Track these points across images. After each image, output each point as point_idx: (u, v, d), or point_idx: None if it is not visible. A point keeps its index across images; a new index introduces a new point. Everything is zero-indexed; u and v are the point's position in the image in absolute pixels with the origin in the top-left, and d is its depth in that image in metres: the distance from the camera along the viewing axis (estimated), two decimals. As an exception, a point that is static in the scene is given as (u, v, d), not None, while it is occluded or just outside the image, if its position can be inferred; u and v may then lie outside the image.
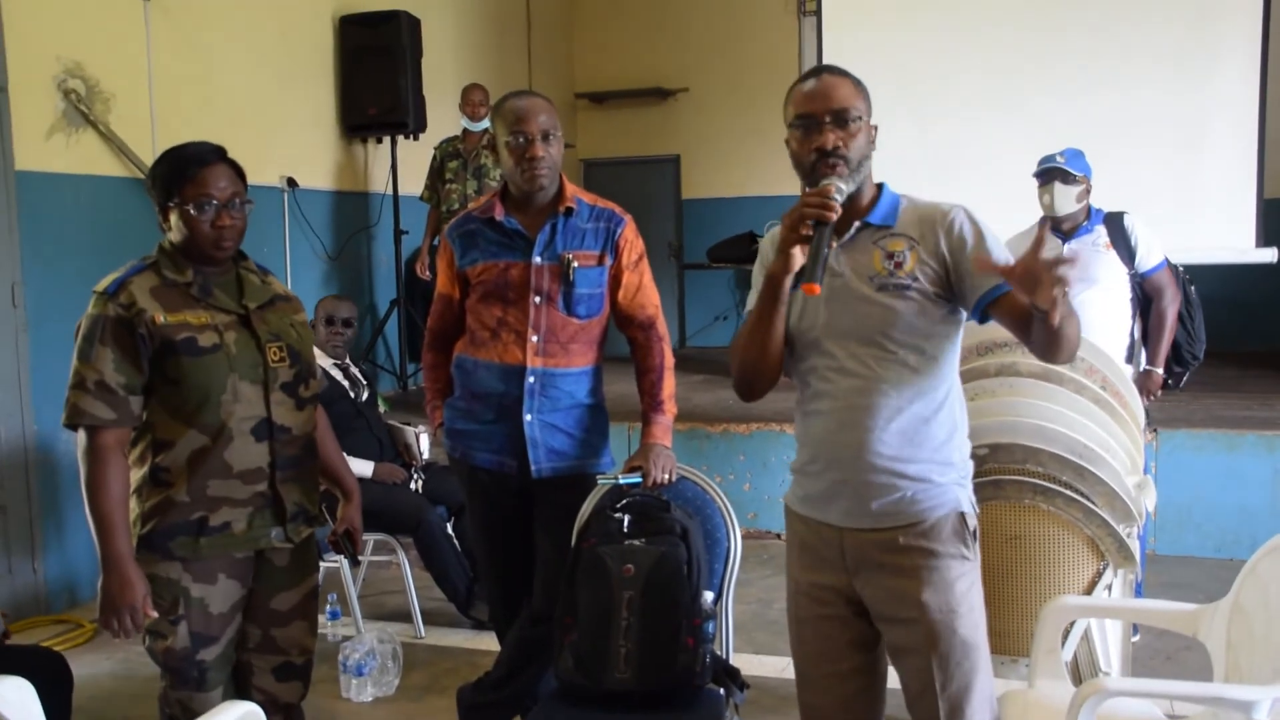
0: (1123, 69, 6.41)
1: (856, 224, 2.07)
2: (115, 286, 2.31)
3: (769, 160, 9.31)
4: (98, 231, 4.77)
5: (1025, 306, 1.88)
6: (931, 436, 2.03)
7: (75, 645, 4.16)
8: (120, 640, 2.32)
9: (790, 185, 10.57)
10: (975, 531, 2.06)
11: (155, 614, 2.30)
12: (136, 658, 4.02)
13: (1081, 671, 2.76)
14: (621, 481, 2.75)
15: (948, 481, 2.04)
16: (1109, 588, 2.74)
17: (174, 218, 2.34)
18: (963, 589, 2.03)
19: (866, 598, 2.08)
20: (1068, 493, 2.69)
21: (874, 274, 2.03)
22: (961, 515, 2.04)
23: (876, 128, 2.09)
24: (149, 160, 4.96)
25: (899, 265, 2.02)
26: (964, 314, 2.07)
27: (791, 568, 2.20)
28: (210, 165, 2.33)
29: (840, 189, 1.97)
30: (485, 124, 6.38)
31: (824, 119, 2.01)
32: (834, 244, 2.02)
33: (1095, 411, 2.84)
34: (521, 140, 2.71)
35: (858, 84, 2.07)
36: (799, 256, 1.94)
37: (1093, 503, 2.69)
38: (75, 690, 2.87)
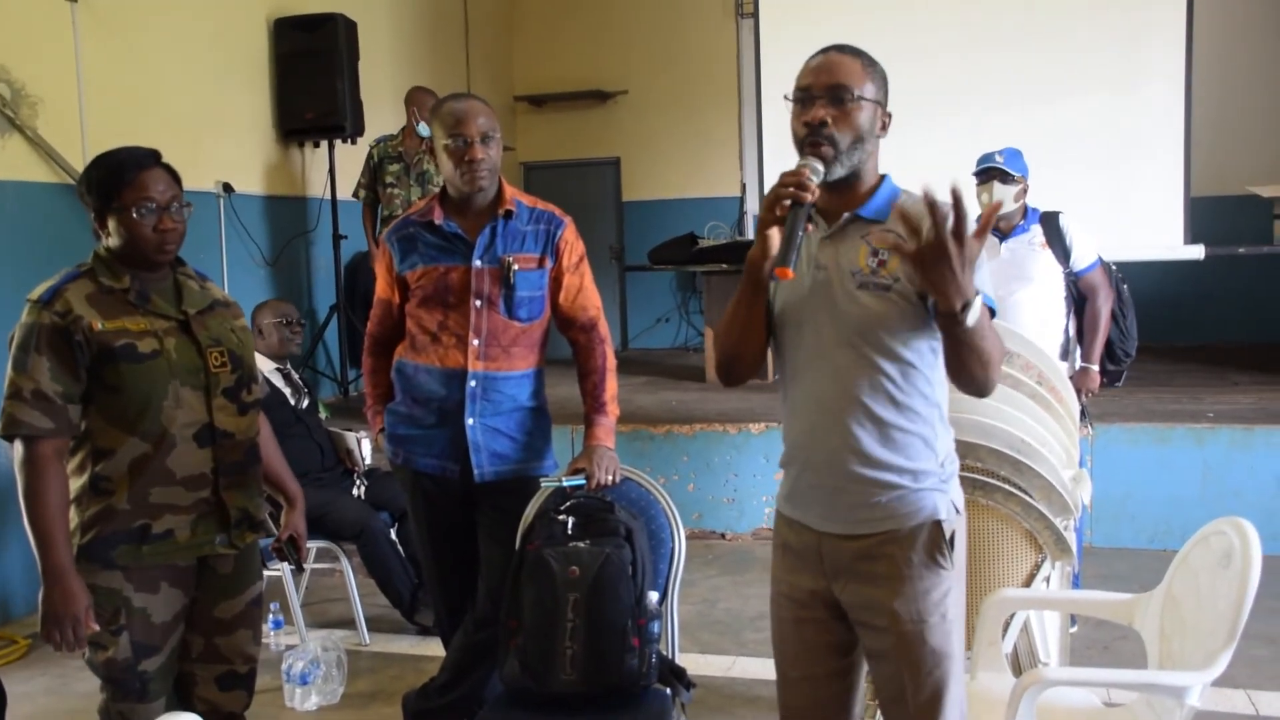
0: (1059, 77, 6.57)
1: (846, 215, 1.98)
2: (50, 294, 2.27)
3: (709, 161, 9.39)
4: (26, 238, 4.66)
5: (951, 366, 1.86)
6: (909, 444, 1.96)
7: (8, 662, 4.06)
8: (61, 653, 2.28)
9: (730, 187, 10.67)
10: (953, 538, 1.98)
11: (97, 626, 2.26)
12: (72, 673, 3.94)
13: (1021, 663, 2.80)
14: (565, 484, 2.74)
15: (924, 488, 1.97)
16: (1047, 580, 2.78)
17: (112, 223, 2.31)
18: (936, 598, 1.97)
19: (844, 602, 2.04)
20: (1006, 487, 2.72)
21: (857, 270, 1.95)
22: (938, 524, 1.96)
23: (890, 115, 2.00)
24: (79, 166, 4.87)
25: (882, 264, 1.93)
26: None
27: (775, 568, 2.15)
28: (148, 169, 2.31)
29: (817, 169, 1.90)
30: None
31: (818, 94, 1.93)
32: (810, 228, 1.94)
33: (1032, 407, 2.89)
34: (461, 143, 2.70)
35: (869, 65, 1.97)
36: (775, 239, 1.86)
37: (1030, 496, 2.73)
38: (9, 708, 2.81)
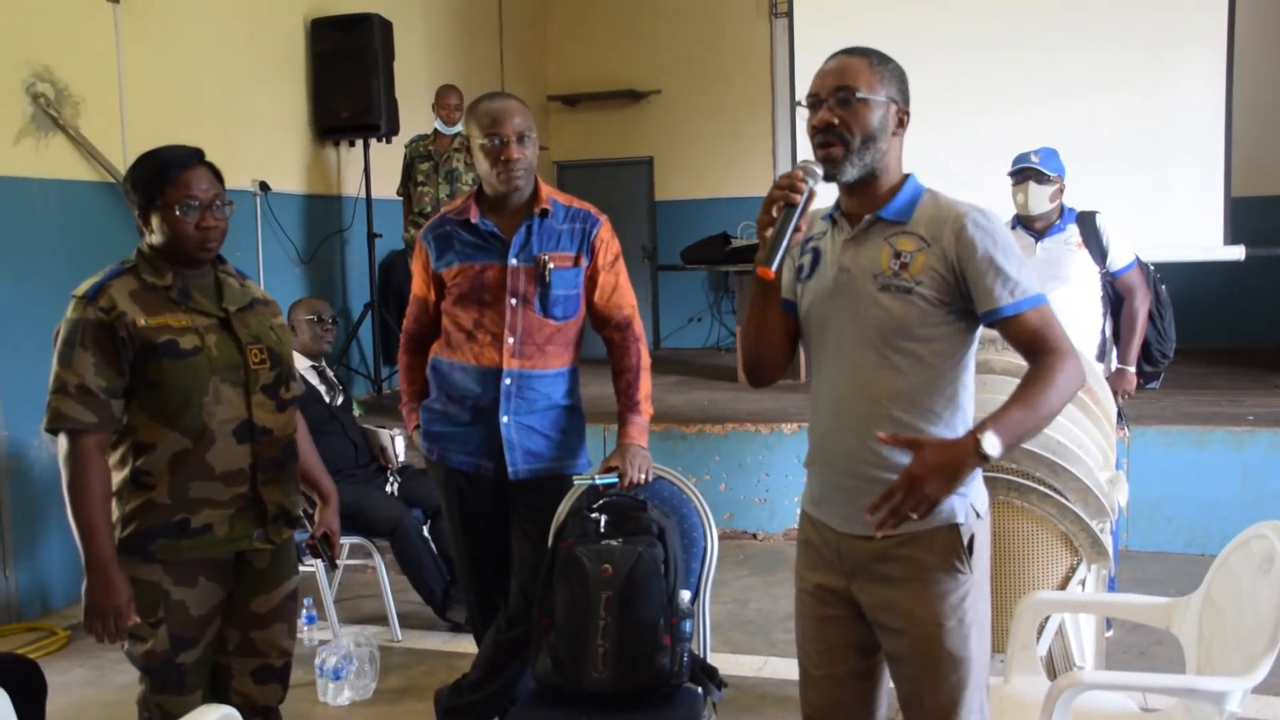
0: (1096, 74, 6.50)
1: (868, 217, 1.98)
2: (94, 291, 2.30)
3: (742, 161, 9.37)
4: (67, 236, 4.73)
5: (1027, 335, 1.89)
6: None
7: (48, 653, 4.11)
8: (102, 645, 2.31)
9: (763, 186, 10.61)
10: (971, 542, 1.96)
11: (138, 619, 2.29)
12: (110, 664, 3.99)
13: (1056, 666, 2.78)
14: (598, 482, 2.75)
15: None
16: (1082, 583, 2.76)
17: (156, 220, 2.33)
18: (953, 602, 1.96)
19: (863, 603, 2.04)
20: (1042, 489, 2.70)
21: (879, 272, 1.95)
22: (955, 528, 1.95)
23: (908, 112, 2.00)
24: (120, 164, 4.94)
25: (905, 266, 1.92)
26: (976, 321, 1.97)
27: (798, 566, 2.16)
28: (191, 167, 2.33)
29: (814, 172, 1.93)
30: (459, 128, 6.37)
31: (826, 97, 1.95)
32: (801, 229, 1.95)
33: (1069, 408, 2.86)
34: (497, 142, 2.71)
35: (879, 64, 1.97)
36: (768, 242, 1.90)
37: (1066, 499, 2.71)
38: (49, 699, 2.85)
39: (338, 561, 2.81)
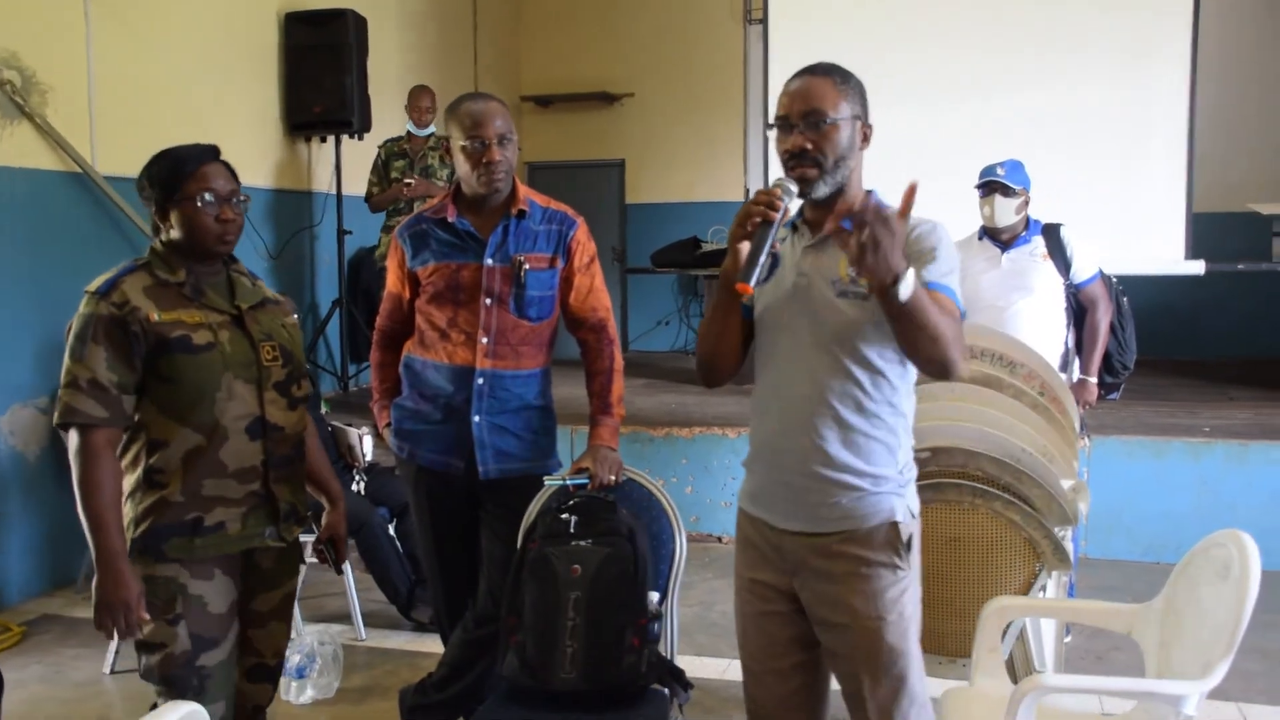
0: (1064, 90, 6.60)
1: (829, 226, 2.04)
2: (107, 286, 2.29)
3: (714, 166, 9.41)
4: (31, 226, 4.66)
5: (904, 347, 1.92)
6: (871, 450, 2.04)
7: (4, 649, 4.07)
8: (114, 640, 2.31)
9: (734, 191, 10.67)
10: (910, 541, 2.06)
11: (148, 615, 2.24)
12: (67, 661, 3.95)
13: (1017, 670, 2.82)
14: (569, 483, 2.75)
15: (884, 491, 2.05)
16: (1044, 589, 2.80)
17: (175, 215, 2.33)
18: (892, 597, 2.04)
19: (803, 599, 2.11)
20: (1006, 496, 2.74)
21: (836, 279, 2.03)
22: (895, 525, 2.04)
23: (871, 126, 2.08)
24: (88, 155, 4.89)
25: (858, 272, 1.96)
26: None
27: (737, 563, 2.24)
28: (209, 162, 2.35)
29: (790, 189, 1.99)
30: (431, 130, 6.36)
31: (796, 121, 2.02)
32: (777, 246, 2.02)
33: (1034, 417, 2.91)
34: (479, 145, 2.71)
35: (842, 82, 2.05)
36: (744, 253, 1.94)
37: (1030, 506, 2.75)
38: (5, 695, 2.81)
39: (342, 568, 2.76)
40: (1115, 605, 2.51)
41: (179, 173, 2.31)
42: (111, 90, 5.08)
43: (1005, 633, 2.68)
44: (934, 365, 1.93)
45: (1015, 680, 2.66)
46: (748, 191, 9.26)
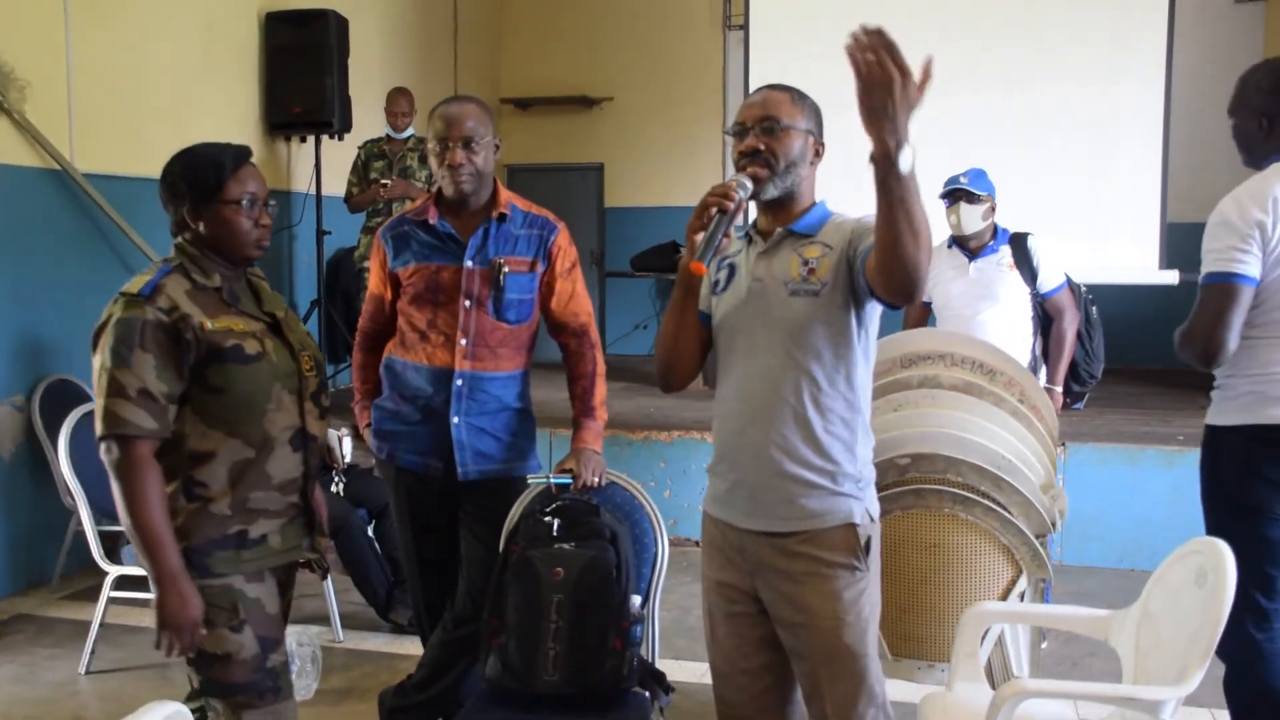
0: (1039, 99, 6.66)
1: (780, 230, 2.16)
2: (150, 289, 2.16)
3: (692, 170, 9.42)
4: (9, 222, 4.62)
5: (883, 239, 1.82)
6: (828, 446, 2.10)
7: (-24, 649, 4.04)
8: (172, 657, 2.16)
9: (714, 197, 10.41)
10: (868, 543, 2.11)
11: (204, 631, 2.17)
12: (40, 661, 3.91)
13: (995, 676, 2.84)
14: (553, 481, 2.77)
15: (842, 493, 2.10)
16: (1022, 595, 2.83)
17: (209, 216, 2.23)
18: (850, 598, 2.09)
19: (765, 599, 2.17)
20: (985, 502, 2.77)
21: (789, 279, 2.11)
22: (853, 527, 2.10)
23: (823, 145, 2.18)
24: (66, 151, 4.85)
25: (812, 271, 2.09)
26: (872, 324, 2.13)
27: (704, 567, 2.29)
28: (247, 164, 2.27)
29: (745, 184, 2.07)
30: (409, 132, 6.35)
31: (752, 126, 2.12)
32: (730, 235, 2.07)
33: (1013, 424, 2.93)
34: (444, 147, 2.75)
35: (798, 99, 2.16)
36: (699, 241, 2.01)
37: (1009, 512, 2.78)
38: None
39: (328, 575, 2.71)
40: (1092, 612, 2.53)
41: (220, 173, 2.21)
42: (91, 87, 5.04)
43: (983, 638, 2.71)
44: (905, 270, 1.83)
45: (993, 686, 2.68)
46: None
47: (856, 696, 2.10)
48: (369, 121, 6.76)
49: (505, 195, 2.85)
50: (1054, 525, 2.84)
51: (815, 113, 2.18)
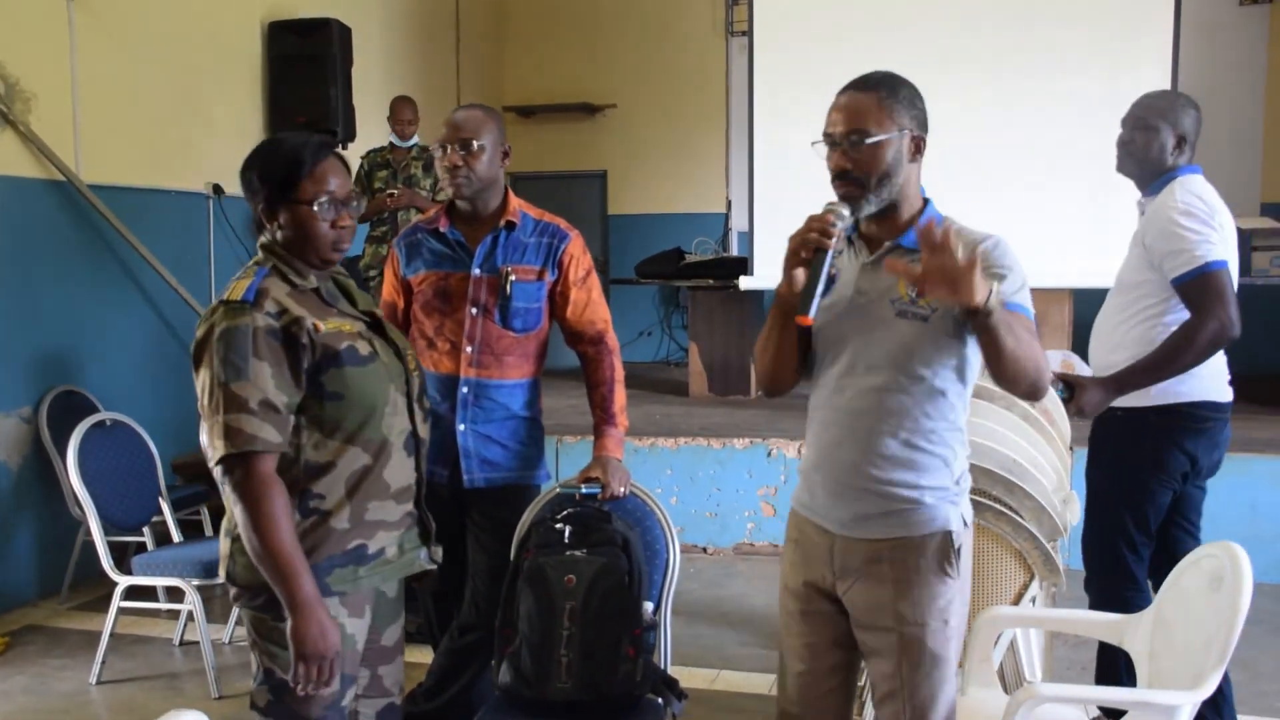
0: (1039, 105, 6.64)
1: (887, 244, 2.05)
2: (253, 293, 2.00)
3: (696, 177, 9.44)
4: (16, 234, 4.63)
5: (994, 370, 1.91)
6: (928, 464, 2.04)
7: (-14, 660, 4.04)
8: (310, 691, 2.03)
9: (716, 203, 10.61)
10: (960, 550, 2.05)
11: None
12: (52, 672, 3.91)
13: (1007, 681, 2.83)
14: (582, 491, 2.77)
15: (938, 501, 2.05)
16: (1034, 599, 2.82)
17: (285, 216, 2.08)
18: (940, 605, 2.05)
19: (847, 602, 2.12)
20: (997, 507, 2.76)
21: (896, 298, 2.01)
22: (948, 534, 2.04)
23: (920, 138, 2.04)
24: (72, 163, 4.86)
25: (921, 293, 1.94)
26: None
27: (785, 564, 2.24)
28: (327, 159, 2.10)
29: (842, 214, 1.97)
30: (414, 141, 6.35)
31: (838, 140, 2.01)
32: (834, 271, 2.02)
33: (1024, 428, 2.93)
34: (443, 150, 2.77)
35: (888, 98, 2.01)
36: (800, 279, 1.94)
37: (1021, 517, 2.77)
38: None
39: None
40: (1106, 616, 2.53)
41: (297, 169, 2.06)
42: (96, 98, 5.05)
43: (996, 643, 2.70)
44: (1020, 386, 1.95)
45: (1007, 689, 2.67)
46: (729, 204, 9.32)
47: (935, 701, 2.06)
48: (373, 130, 6.77)
49: (515, 203, 2.86)
50: (1066, 529, 2.84)
51: (911, 103, 2.03)
